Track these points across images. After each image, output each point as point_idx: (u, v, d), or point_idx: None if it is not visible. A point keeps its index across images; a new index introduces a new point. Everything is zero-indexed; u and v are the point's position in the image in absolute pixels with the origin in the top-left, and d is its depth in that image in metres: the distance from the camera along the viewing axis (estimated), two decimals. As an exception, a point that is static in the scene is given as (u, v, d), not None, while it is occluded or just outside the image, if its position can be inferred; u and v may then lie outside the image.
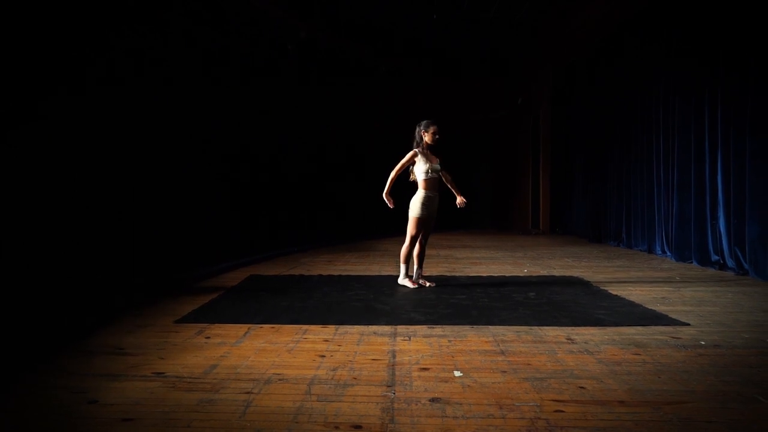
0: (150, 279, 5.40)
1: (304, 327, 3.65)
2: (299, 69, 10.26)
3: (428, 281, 5.29)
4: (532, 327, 3.64)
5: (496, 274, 6.10)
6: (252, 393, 2.43)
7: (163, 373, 2.71)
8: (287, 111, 9.79)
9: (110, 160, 5.35)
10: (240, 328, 3.61)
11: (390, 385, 2.53)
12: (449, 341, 3.30)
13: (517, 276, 5.99)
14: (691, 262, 6.84)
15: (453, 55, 13.45)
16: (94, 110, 5.16)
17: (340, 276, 6.01)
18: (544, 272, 6.27)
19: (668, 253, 7.52)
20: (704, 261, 6.58)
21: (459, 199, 5.33)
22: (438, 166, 5.13)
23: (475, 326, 3.66)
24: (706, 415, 2.20)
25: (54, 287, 4.27)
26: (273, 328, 3.63)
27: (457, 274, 6.10)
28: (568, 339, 3.35)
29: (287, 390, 2.47)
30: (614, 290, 5.02)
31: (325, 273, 6.23)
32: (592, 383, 2.56)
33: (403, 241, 5.20)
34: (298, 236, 9.48)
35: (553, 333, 3.50)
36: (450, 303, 4.45)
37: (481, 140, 16.32)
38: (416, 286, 5.16)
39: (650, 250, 8.11)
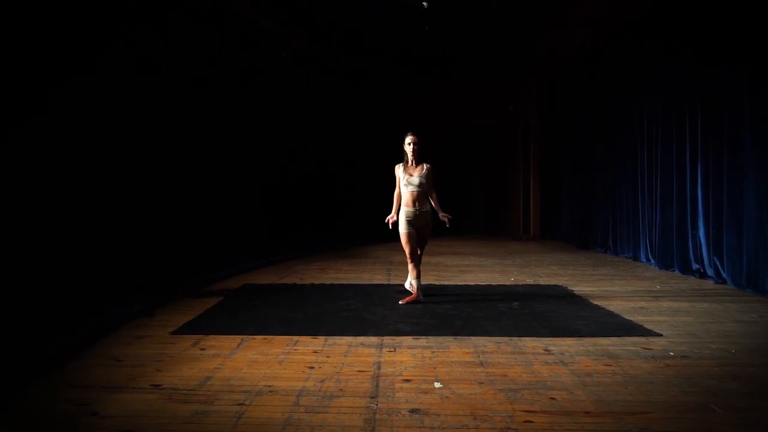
0: (148, 285, 5.54)
1: (295, 338, 3.81)
2: (298, 71, 10.41)
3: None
4: (512, 338, 3.82)
5: (483, 283, 6.28)
6: (244, 404, 2.60)
7: (160, 385, 2.88)
8: (287, 112, 9.92)
9: (110, 161, 5.46)
10: (233, 340, 3.77)
11: (373, 397, 2.70)
12: (432, 353, 3.47)
13: (504, 285, 6.17)
14: (674, 270, 7.05)
15: (449, 58, 13.62)
16: (94, 110, 5.26)
17: (332, 285, 6.17)
18: (530, 281, 6.45)
19: (652, 261, 7.72)
20: (686, 269, 6.79)
21: (440, 215, 5.08)
22: (417, 179, 5.02)
23: (458, 337, 3.84)
24: (664, 424, 2.39)
25: (54, 287, 4.40)
26: (265, 339, 3.80)
27: (446, 283, 6.27)
28: (545, 350, 3.53)
29: (277, 402, 2.64)
30: (596, 300, 5.20)
31: (317, 281, 6.40)
32: (563, 394, 2.74)
33: (399, 248, 5.27)
34: (293, 240, 9.63)
35: (531, 344, 3.67)
36: (436, 313, 4.62)
37: (476, 146, 16.51)
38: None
39: (635, 258, 8.32)
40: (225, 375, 3.03)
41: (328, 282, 6.37)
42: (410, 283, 5.29)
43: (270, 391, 2.77)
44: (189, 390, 2.80)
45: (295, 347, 3.60)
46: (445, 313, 4.64)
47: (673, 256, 7.11)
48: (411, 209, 5.05)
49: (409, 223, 5.06)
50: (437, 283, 6.29)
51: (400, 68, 13.83)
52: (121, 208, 5.65)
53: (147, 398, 2.70)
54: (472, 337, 3.83)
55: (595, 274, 6.95)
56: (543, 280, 6.46)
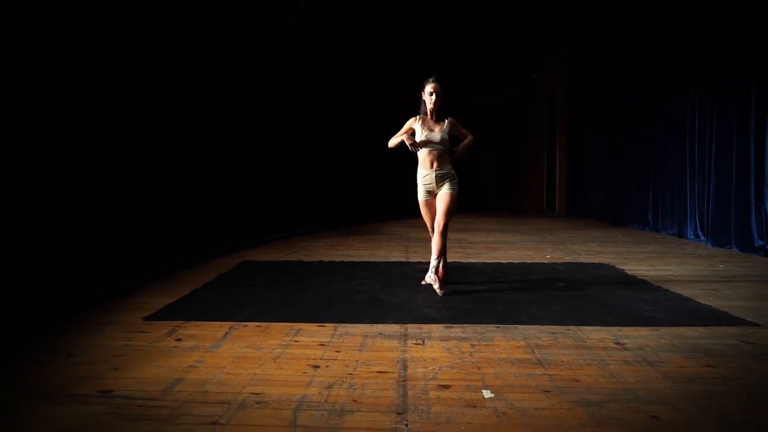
0: (131, 266, 4.81)
1: (297, 326, 3.05)
2: (305, 41, 9.55)
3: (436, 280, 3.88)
4: (570, 327, 3.03)
5: (516, 261, 5.48)
6: (218, 423, 1.84)
7: (111, 391, 2.13)
8: (289, 88, 9.07)
9: (103, 144, 4.72)
10: (220, 327, 3.02)
11: (401, 412, 1.93)
12: (472, 346, 2.70)
13: (541, 263, 5.37)
14: (731, 248, 6.19)
15: (466, 32, 12.66)
16: (99, 93, 4.57)
17: (342, 262, 5.41)
18: (569, 258, 5.64)
19: (702, 238, 6.86)
20: (746, 247, 5.92)
21: (459, 147, 4.05)
22: (438, 136, 3.96)
23: (501, 325, 3.06)
24: (841, 465, 1.59)
25: (26, 273, 3.68)
26: (259, 326, 3.04)
27: (474, 261, 5.48)
28: (617, 343, 2.73)
29: (266, 419, 1.88)
30: (654, 281, 4.39)
31: (326, 259, 5.64)
32: (667, 411, 1.95)
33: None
34: (300, 218, 8.85)
35: (597, 335, 2.88)
36: (469, 296, 3.84)
37: (492, 121, 15.56)
38: (425, 283, 4.17)
39: (681, 234, 7.45)
40: (200, 377, 2.27)
41: (338, 259, 5.60)
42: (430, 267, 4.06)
43: (257, 402, 2.02)
44: (147, 399, 2.05)
45: (296, 338, 2.84)
46: (479, 295, 3.86)
47: (731, 232, 6.24)
48: (429, 172, 4.01)
49: (428, 191, 4.05)
50: (464, 260, 5.49)
51: (416, 38, 12.85)
52: (111, 189, 4.89)
53: (89, 411, 1.95)
54: (518, 326, 3.05)
55: (641, 252, 6.11)
56: (584, 258, 5.64)
